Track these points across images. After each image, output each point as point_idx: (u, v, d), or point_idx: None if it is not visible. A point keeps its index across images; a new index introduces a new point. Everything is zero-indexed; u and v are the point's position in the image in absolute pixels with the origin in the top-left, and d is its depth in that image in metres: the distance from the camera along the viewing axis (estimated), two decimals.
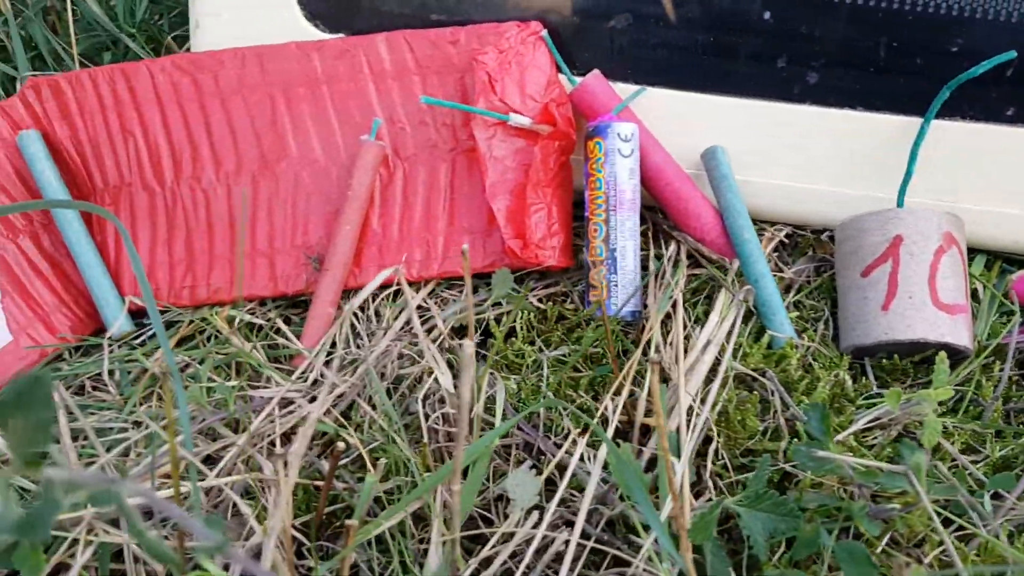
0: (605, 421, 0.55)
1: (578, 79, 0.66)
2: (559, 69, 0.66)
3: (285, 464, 0.48)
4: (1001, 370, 0.60)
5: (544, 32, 0.65)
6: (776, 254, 0.68)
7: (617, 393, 0.55)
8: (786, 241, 0.68)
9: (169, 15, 1.00)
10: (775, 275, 0.64)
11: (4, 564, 0.48)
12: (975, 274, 0.65)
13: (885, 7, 0.64)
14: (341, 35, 0.68)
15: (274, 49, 0.65)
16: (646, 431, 0.56)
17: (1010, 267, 0.67)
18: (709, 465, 0.53)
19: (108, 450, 0.57)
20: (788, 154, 0.66)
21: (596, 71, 0.65)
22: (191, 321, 0.66)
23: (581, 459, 0.55)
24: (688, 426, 0.54)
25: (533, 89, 0.64)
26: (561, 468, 0.54)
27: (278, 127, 0.66)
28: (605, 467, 0.51)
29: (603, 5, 0.66)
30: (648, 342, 0.59)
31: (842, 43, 0.65)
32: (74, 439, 0.58)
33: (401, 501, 0.50)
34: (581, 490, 0.52)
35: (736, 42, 0.66)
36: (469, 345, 0.35)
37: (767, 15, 0.65)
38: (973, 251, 0.67)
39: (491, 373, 0.58)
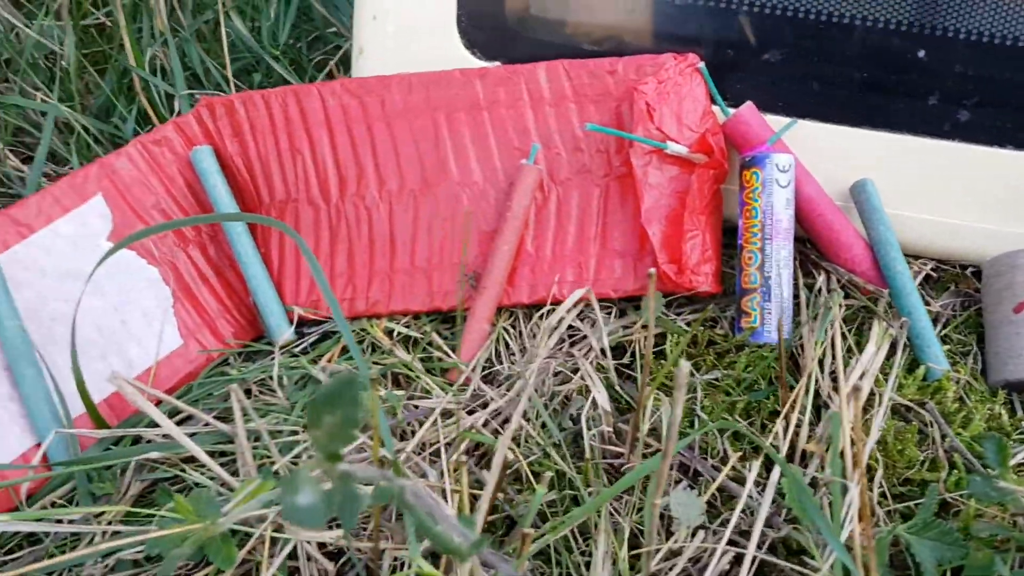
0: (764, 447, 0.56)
1: (731, 110, 0.67)
2: (713, 100, 0.68)
3: (456, 471, 0.50)
4: None
5: (701, 64, 0.67)
6: (921, 288, 0.69)
7: (788, 415, 0.57)
8: (932, 275, 0.69)
9: (307, 38, 1.04)
10: None
11: (196, 555, 0.51)
12: None
13: None
14: (497, 63, 0.71)
15: (439, 76, 0.68)
16: (801, 456, 0.57)
17: None
18: (875, 494, 0.54)
19: (280, 452, 0.60)
20: (937, 189, 0.67)
21: (750, 103, 0.67)
22: (353, 331, 0.69)
23: (739, 481, 0.57)
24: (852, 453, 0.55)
25: (689, 119, 0.66)
26: (721, 490, 0.55)
27: (440, 149, 0.69)
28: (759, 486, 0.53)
29: (758, 39, 0.67)
30: (805, 369, 0.60)
31: (994, 82, 0.66)
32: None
33: (571, 513, 0.52)
34: (743, 511, 0.53)
35: (889, 78, 0.67)
36: (685, 365, 0.37)
37: (921, 53, 0.66)
38: None
39: (656, 394, 0.60)
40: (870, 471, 0.55)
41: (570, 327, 0.67)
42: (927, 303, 0.67)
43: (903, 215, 0.68)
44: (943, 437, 0.57)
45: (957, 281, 0.69)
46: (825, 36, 0.67)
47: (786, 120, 0.68)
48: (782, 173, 0.64)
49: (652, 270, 0.47)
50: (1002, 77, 0.66)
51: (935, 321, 0.66)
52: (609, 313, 0.68)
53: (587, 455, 0.57)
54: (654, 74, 0.66)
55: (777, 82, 0.68)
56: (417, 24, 0.72)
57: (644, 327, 0.66)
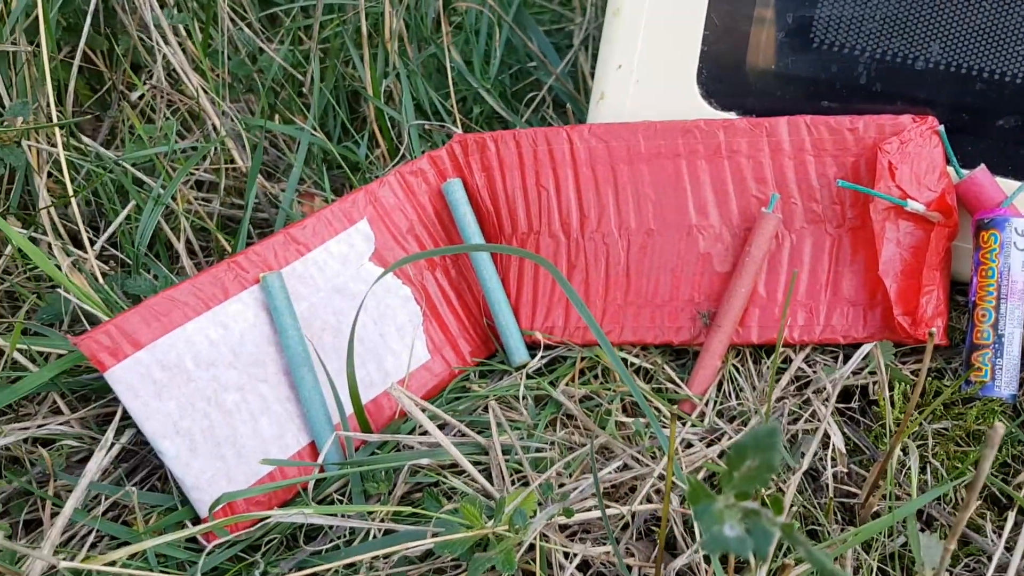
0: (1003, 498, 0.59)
1: (964, 171, 0.70)
2: (948, 161, 0.71)
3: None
4: None
5: (940, 127, 0.70)
6: None
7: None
8: None
9: (508, 71, 1.10)
10: None
11: (464, 555, 0.57)
12: None
13: None
14: (732, 113, 0.76)
15: (684, 124, 0.73)
16: None
17: None
18: None
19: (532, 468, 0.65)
20: None
21: (983, 165, 0.70)
22: (583, 358, 0.74)
23: (976, 529, 0.59)
24: None
25: (927, 179, 0.69)
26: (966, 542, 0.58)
27: (679, 193, 0.73)
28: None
29: (994, 105, 0.70)
30: None
31: None
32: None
33: (819, 547, 0.56)
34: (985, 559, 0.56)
35: None
36: (1000, 427, 0.41)
37: None
38: None
39: (905, 443, 0.63)
40: None
41: (798, 369, 0.71)
42: None
43: None
44: None
45: None
46: None
47: (1016, 184, 0.70)
48: (1020, 236, 0.66)
49: (933, 329, 0.51)
50: None
51: None
52: (835, 358, 0.71)
53: (830, 494, 0.61)
54: (895, 134, 0.69)
55: (1009, 147, 0.71)
56: (659, 74, 0.77)
57: (871, 374, 0.70)
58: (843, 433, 0.66)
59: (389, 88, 0.98)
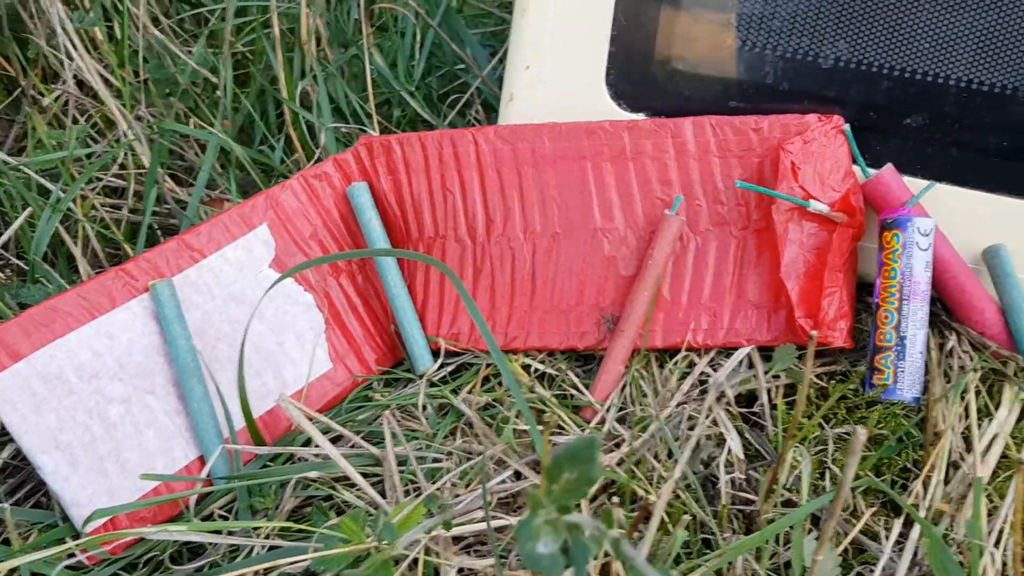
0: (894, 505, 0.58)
1: (871, 171, 0.69)
2: (854, 160, 0.70)
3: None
4: None
5: (846, 126, 0.69)
6: None
7: (928, 477, 0.58)
8: None
9: (436, 74, 1.08)
10: None
11: (355, 573, 0.55)
12: None
13: None
14: (642, 115, 0.74)
15: (589, 126, 0.71)
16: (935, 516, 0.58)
17: None
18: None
19: (424, 478, 0.64)
20: None
21: (890, 165, 0.69)
22: (488, 364, 0.72)
23: (870, 536, 0.58)
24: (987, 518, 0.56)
25: (831, 179, 0.68)
26: (857, 547, 0.57)
27: (584, 196, 0.72)
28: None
29: (901, 103, 0.69)
30: (932, 427, 0.61)
31: None
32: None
33: (708, 557, 0.55)
34: (868, 562, 0.55)
35: None
36: (862, 432, 0.40)
37: None
38: None
39: (796, 448, 0.62)
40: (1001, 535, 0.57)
41: (701, 373, 0.70)
42: None
43: None
44: None
45: None
46: (966, 102, 0.68)
47: (924, 183, 0.70)
48: (923, 236, 0.65)
49: (814, 332, 0.49)
50: None
51: None
52: (740, 362, 0.70)
53: (723, 501, 0.60)
54: (800, 134, 0.68)
55: (917, 146, 0.70)
56: (567, 75, 0.75)
57: (776, 377, 0.69)
58: (744, 438, 0.65)
59: (306, 91, 0.97)
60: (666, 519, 0.60)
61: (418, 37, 1.05)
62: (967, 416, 0.64)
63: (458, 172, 0.74)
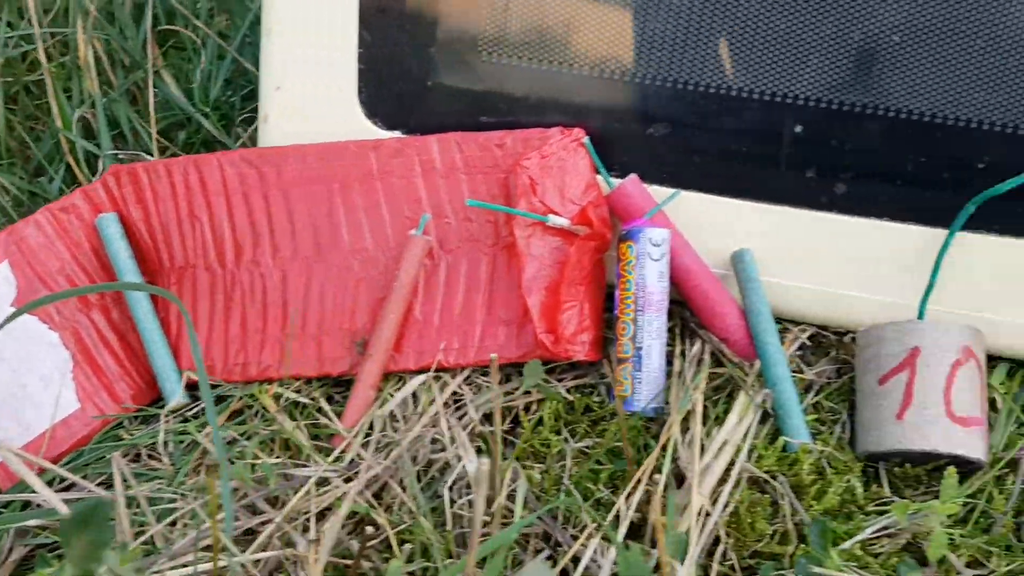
0: (620, 516, 0.57)
1: (616, 181, 0.69)
2: (598, 172, 0.70)
3: (317, 543, 0.51)
4: (1014, 483, 0.61)
5: (586, 139, 0.69)
6: (799, 353, 0.70)
7: (633, 490, 0.58)
8: (808, 343, 0.71)
9: (240, 93, 1.06)
10: (796, 375, 0.67)
11: None
12: (995, 384, 0.67)
13: (914, 121, 0.66)
14: (397, 132, 0.73)
15: (334, 147, 0.70)
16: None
17: None
18: (715, 566, 0.55)
19: (159, 519, 0.62)
20: (815, 260, 0.69)
21: (633, 175, 0.69)
22: (241, 397, 0.70)
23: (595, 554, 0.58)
24: (700, 526, 0.56)
25: (572, 192, 0.68)
26: (576, 560, 0.57)
27: (333, 218, 0.71)
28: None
29: (644, 113, 0.69)
30: (667, 440, 0.61)
31: (870, 156, 0.68)
32: (127, 506, 0.63)
33: None
34: None
35: (768, 152, 0.69)
36: (485, 463, 0.39)
37: (798, 128, 0.68)
38: (995, 360, 0.69)
39: (516, 462, 0.61)
40: (718, 542, 0.57)
41: (455, 394, 0.69)
42: (801, 370, 0.68)
43: (783, 284, 0.70)
44: (794, 511, 0.58)
45: (836, 348, 0.70)
46: (706, 109, 0.69)
47: (670, 191, 0.70)
48: (655, 247, 0.65)
49: (494, 355, 0.49)
50: (878, 150, 0.67)
51: (808, 388, 0.68)
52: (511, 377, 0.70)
53: (448, 526, 0.59)
54: (539, 148, 0.68)
55: (661, 155, 0.70)
56: (319, 95, 0.74)
57: (527, 393, 0.68)
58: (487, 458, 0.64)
59: (86, 117, 0.94)
60: (397, 550, 0.59)
61: (214, 58, 1.03)
62: (706, 424, 0.64)
63: (205, 198, 0.72)
